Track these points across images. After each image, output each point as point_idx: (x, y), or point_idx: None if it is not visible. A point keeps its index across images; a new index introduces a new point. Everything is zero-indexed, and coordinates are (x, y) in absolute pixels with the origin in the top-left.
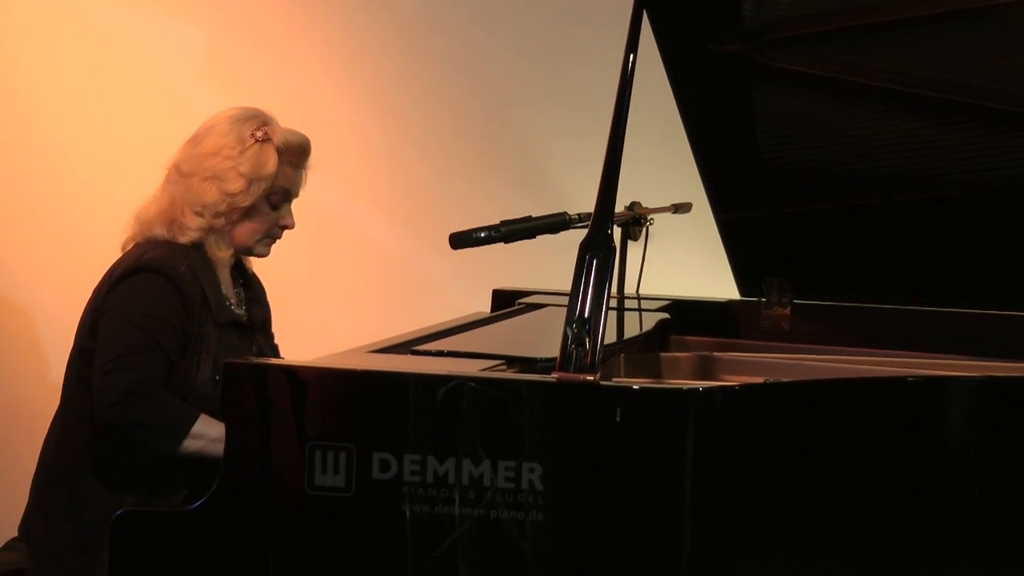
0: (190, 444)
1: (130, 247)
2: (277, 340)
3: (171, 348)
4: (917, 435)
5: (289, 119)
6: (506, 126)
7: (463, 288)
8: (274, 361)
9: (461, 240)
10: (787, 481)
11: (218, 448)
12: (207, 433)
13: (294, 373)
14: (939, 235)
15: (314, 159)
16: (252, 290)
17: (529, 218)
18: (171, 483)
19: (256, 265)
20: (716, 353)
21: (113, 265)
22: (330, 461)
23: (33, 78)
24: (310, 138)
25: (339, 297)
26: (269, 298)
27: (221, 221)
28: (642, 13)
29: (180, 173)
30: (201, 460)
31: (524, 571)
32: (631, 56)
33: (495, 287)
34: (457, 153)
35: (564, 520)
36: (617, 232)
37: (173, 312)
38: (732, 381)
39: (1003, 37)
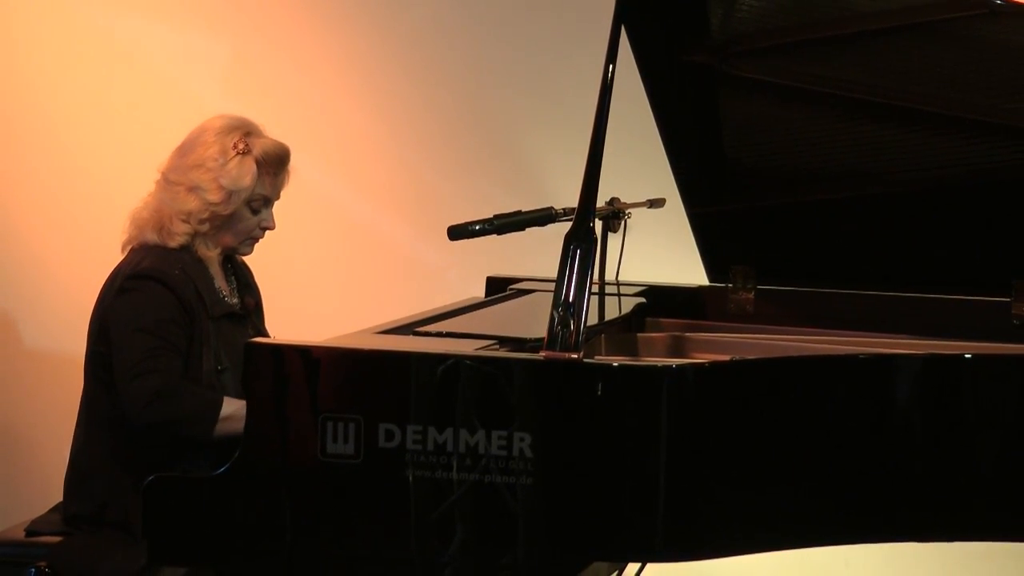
0: (220, 427)
1: (127, 252)
2: (290, 324)
3: (182, 345)
4: (868, 406)
5: (303, 122)
6: (498, 130)
7: (460, 275)
8: (290, 341)
9: (458, 232)
10: (751, 448)
11: (243, 425)
12: (233, 413)
13: (308, 352)
14: (888, 227)
15: (327, 160)
16: (243, 278)
17: (519, 212)
18: (195, 462)
19: (273, 257)
20: (687, 334)
21: (113, 272)
22: (340, 431)
23: (59, 89)
24: (323, 141)
25: (347, 284)
26: (282, 287)
27: (206, 227)
28: (620, 28)
29: (168, 181)
30: (229, 438)
31: (515, 530)
32: (610, 67)
33: (489, 274)
34: (454, 154)
35: (551, 484)
36: (598, 225)
37: (177, 312)
38: (702, 359)
39: (945, 49)
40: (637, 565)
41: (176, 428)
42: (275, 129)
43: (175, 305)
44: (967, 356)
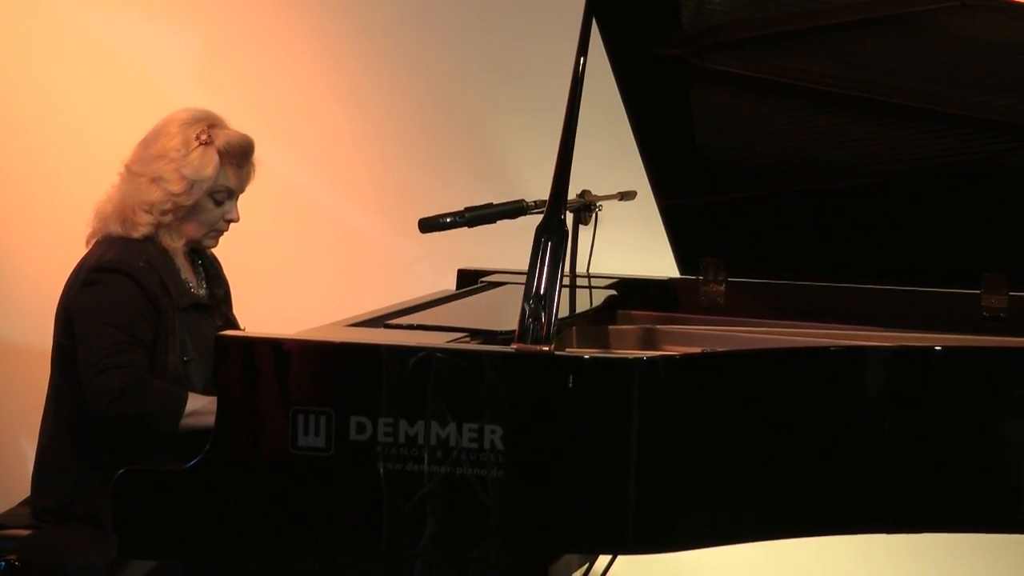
0: (185, 422)
1: (91, 245)
2: (261, 317)
3: (147, 338)
4: (838, 398)
5: (275, 116)
6: (470, 123)
7: (431, 268)
8: (261, 334)
9: (429, 225)
10: (722, 440)
11: (209, 420)
12: (199, 408)
13: (279, 345)
14: (858, 220)
15: (299, 153)
16: (211, 268)
17: (490, 205)
18: (164, 455)
19: (244, 249)
20: (659, 326)
21: (78, 265)
22: (312, 424)
23: (27, 81)
24: (294, 133)
25: (318, 277)
26: (253, 279)
27: (168, 218)
28: (592, 20)
29: (131, 173)
30: (196, 433)
31: (486, 523)
32: (582, 59)
33: (460, 267)
34: (426, 147)
35: (522, 476)
36: (569, 217)
37: (142, 305)
38: (673, 351)
39: (917, 42)
40: (608, 557)
41: (140, 423)
42: (246, 121)
43: (140, 297)
44: (937, 348)
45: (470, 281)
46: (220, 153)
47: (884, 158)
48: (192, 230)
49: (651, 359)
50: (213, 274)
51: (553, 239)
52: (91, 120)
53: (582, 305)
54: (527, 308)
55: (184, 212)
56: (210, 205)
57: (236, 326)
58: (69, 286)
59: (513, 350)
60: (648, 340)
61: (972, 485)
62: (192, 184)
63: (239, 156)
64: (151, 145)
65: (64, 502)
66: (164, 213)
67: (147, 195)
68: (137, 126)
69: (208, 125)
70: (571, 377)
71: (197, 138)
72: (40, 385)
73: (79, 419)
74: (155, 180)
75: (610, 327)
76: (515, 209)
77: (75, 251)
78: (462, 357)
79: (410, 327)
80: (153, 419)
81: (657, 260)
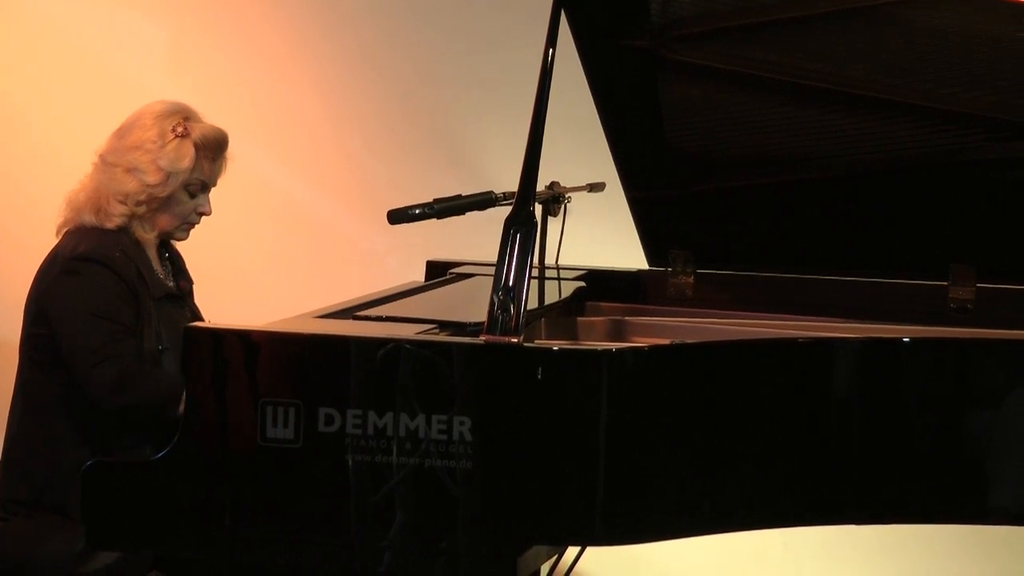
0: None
1: (62, 235)
2: (230, 309)
3: (133, 327)
4: (806, 389)
5: (242, 107)
6: (439, 114)
7: (400, 260)
8: (229, 325)
9: (398, 216)
10: (691, 432)
11: None
12: None
13: (247, 336)
14: (826, 211)
15: (267, 145)
16: (177, 263)
17: (459, 197)
18: (136, 444)
19: (213, 242)
20: (627, 317)
21: (51, 255)
22: (280, 416)
23: None
24: (263, 126)
25: (287, 269)
26: (223, 271)
27: (142, 209)
28: (560, 12)
29: (105, 163)
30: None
31: (455, 514)
32: (550, 51)
33: (429, 259)
34: (394, 139)
35: (491, 468)
36: (538, 209)
37: (124, 293)
38: (642, 343)
39: (883, 33)
40: (577, 548)
41: (143, 411)
42: (214, 114)
43: (121, 287)
44: (905, 340)
45: (439, 273)
46: (196, 146)
47: (852, 150)
48: (165, 222)
49: (620, 351)
50: (179, 268)
51: (522, 231)
52: (58, 110)
53: (551, 297)
54: (496, 300)
55: (158, 204)
56: (184, 197)
57: (200, 317)
58: (42, 276)
59: (482, 342)
60: (617, 332)
61: (940, 476)
62: (168, 176)
63: (214, 149)
64: (126, 136)
65: (33, 493)
66: (138, 204)
67: (122, 186)
68: (106, 117)
69: (184, 118)
70: (540, 369)
71: (173, 130)
72: (6, 376)
73: (47, 409)
74: (131, 171)
75: (579, 319)
76: (484, 201)
77: (43, 241)
78: (431, 349)
79: (379, 319)
80: (154, 406)
81: (626, 252)
